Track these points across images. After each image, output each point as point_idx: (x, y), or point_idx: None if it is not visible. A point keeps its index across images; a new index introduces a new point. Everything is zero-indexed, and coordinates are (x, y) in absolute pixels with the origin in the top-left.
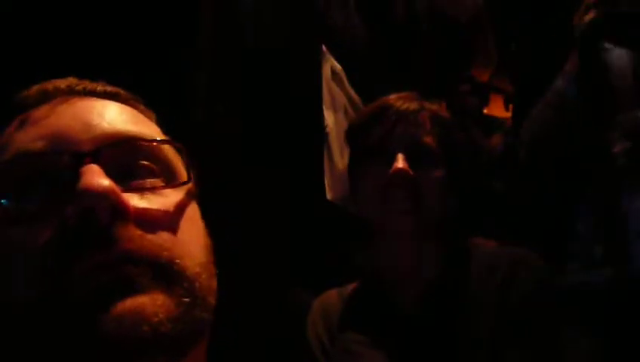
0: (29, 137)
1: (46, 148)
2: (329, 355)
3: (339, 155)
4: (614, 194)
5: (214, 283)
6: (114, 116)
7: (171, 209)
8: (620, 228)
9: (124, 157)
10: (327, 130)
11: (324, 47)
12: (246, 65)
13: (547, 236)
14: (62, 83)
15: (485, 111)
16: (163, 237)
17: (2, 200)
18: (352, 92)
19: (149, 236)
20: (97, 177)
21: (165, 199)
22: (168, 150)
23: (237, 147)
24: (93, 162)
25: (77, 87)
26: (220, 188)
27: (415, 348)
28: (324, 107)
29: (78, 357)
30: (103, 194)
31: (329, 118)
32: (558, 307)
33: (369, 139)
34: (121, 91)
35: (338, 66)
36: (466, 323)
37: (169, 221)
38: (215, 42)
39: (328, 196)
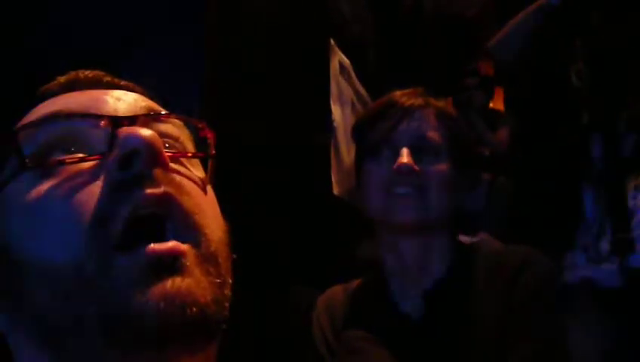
0: (60, 104)
1: (80, 111)
2: (334, 352)
3: (345, 150)
4: (621, 187)
5: (230, 266)
6: (144, 98)
7: (198, 180)
8: (626, 222)
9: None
10: (335, 124)
11: (332, 41)
12: (252, 59)
13: (553, 230)
14: (89, 73)
15: (491, 105)
16: (193, 196)
17: (40, 155)
18: (360, 86)
19: (183, 189)
20: (139, 128)
21: (192, 171)
22: (185, 131)
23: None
24: (129, 125)
25: (104, 78)
26: (219, 184)
27: (420, 347)
28: (331, 102)
29: (122, 333)
30: (147, 139)
31: (336, 112)
32: (564, 303)
33: (374, 134)
34: (138, 87)
35: (346, 60)
36: (472, 323)
37: (196, 190)
38: (220, 37)
39: (335, 191)
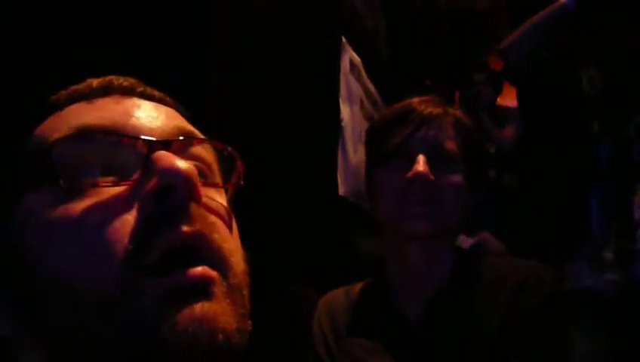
0: (94, 116)
1: (115, 129)
2: (334, 356)
3: (352, 150)
4: (628, 197)
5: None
6: (176, 115)
7: (224, 211)
8: (631, 231)
9: (186, 151)
10: (343, 124)
11: (343, 39)
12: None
13: (557, 236)
14: (124, 81)
15: (499, 100)
16: (222, 233)
17: (73, 172)
18: (370, 83)
19: (214, 227)
20: (177, 159)
21: (217, 198)
22: (211, 151)
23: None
24: (164, 149)
25: (138, 88)
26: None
27: (421, 356)
28: (340, 100)
29: (143, 356)
30: (185, 173)
31: (345, 111)
32: (566, 313)
33: (391, 140)
34: (168, 98)
35: (357, 58)
36: (474, 333)
37: (223, 224)
38: (223, 35)
39: (340, 191)
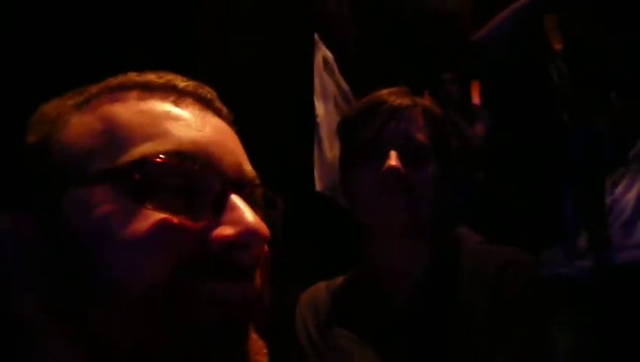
0: (187, 138)
1: (204, 159)
2: (317, 349)
3: (328, 146)
4: (599, 184)
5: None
6: (240, 147)
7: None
8: (603, 218)
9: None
10: (318, 120)
11: (316, 36)
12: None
13: (531, 226)
14: (204, 90)
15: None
16: (266, 291)
17: (149, 184)
18: (342, 81)
19: (264, 291)
20: (254, 215)
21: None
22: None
23: None
24: (237, 193)
25: (216, 103)
26: None
27: (407, 345)
28: (314, 97)
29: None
30: (263, 237)
31: (319, 108)
32: (544, 300)
33: (361, 135)
34: (224, 108)
35: (330, 55)
36: (457, 322)
37: (265, 276)
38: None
39: (317, 187)
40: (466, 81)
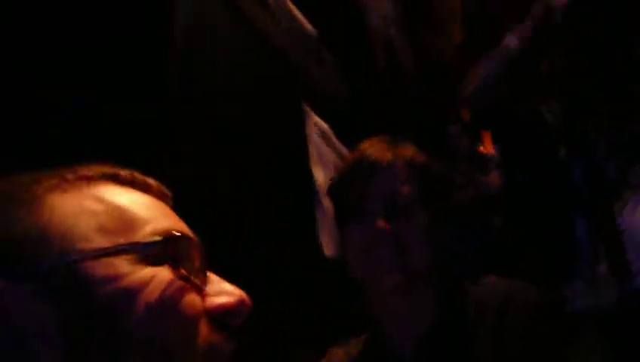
0: (168, 224)
1: (190, 236)
2: None
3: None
4: (609, 211)
5: None
6: None
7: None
8: (620, 241)
9: None
10: (317, 186)
11: (305, 105)
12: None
13: (549, 263)
14: (153, 182)
15: (481, 148)
16: None
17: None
18: (342, 147)
19: None
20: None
21: None
22: None
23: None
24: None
25: (139, 179)
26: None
27: None
28: (311, 164)
29: None
30: (250, 307)
31: (318, 175)
32: (565, 332)
33: (347, 198)
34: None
35: (324, 124)
36: None
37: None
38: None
39: (326, 253)
40: (474, 131)
